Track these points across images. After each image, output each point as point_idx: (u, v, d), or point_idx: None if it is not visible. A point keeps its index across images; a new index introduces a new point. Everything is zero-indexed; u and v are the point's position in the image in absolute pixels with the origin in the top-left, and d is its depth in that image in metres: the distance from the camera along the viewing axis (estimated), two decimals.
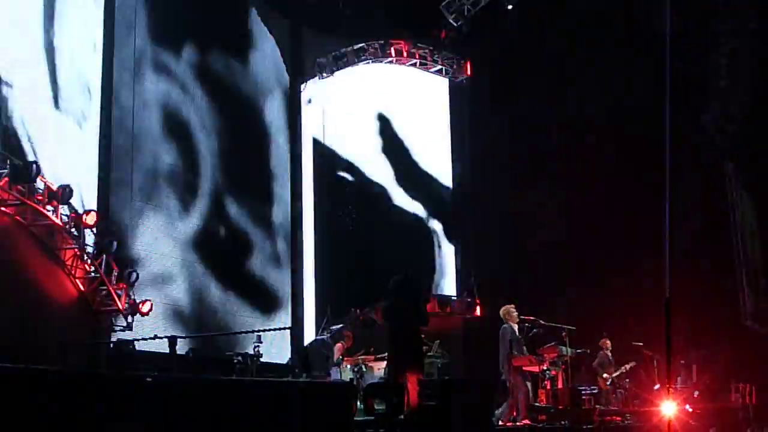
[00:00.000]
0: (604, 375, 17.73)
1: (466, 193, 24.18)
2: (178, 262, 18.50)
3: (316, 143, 21.80)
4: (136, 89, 18.00)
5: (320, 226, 21.61)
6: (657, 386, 17.32)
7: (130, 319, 16.16)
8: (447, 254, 24.07)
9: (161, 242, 18.24)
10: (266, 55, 21.27)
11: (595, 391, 17.25)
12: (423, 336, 14.03)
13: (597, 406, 16.04)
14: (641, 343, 18.21)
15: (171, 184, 18.66)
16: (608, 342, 18.14)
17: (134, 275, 16.12)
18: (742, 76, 24.11)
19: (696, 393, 18.88)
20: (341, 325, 20.10)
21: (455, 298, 22.72)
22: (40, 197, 14.79)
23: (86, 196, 16.68)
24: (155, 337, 13.50)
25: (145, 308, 16.29)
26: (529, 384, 14.75)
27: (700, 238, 21.31)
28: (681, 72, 20.59)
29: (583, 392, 15.98)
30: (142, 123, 18.16)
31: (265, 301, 20.26)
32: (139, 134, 18.04)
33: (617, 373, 17.90)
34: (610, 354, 18.11)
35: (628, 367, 17.96)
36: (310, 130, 21.81)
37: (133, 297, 16.16)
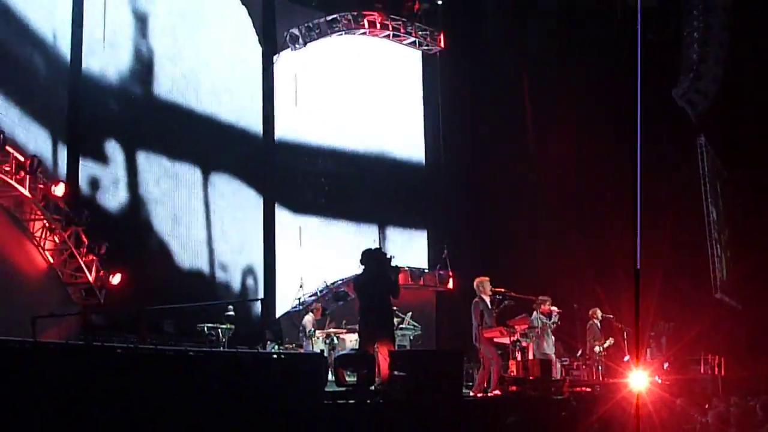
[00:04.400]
0: (596, 345, 17.85)
1: (437, 166, 24.16)
2: (154, 228, 18.43)
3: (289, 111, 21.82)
4: (107, 55, 17.97)
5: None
6: (627, 358, 17.46)
7: (100, 292, 16.05)
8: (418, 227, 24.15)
9: (137, 209, 18.15)
10: (240, 25, 21.15)
11: (566, 363, 17.41)
12: (394, 308, 14.14)
13: (567, 378, 16.14)
14: (612, 316, 18.33)
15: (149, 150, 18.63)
16: (598, 311, 18.26)
17: (104, 247, 16.00)
18: (715, 50, 24.25)
19: (665, 365, 19.08)
20: (313, 297, 20.21)
21: (427, 270, 22.79)
22: (7, 167, 14.54)
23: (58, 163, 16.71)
24: (124, 309, 13.42)
25: (114, 280, 16.17)
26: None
27: (671, 210, 21.44)
28: (654, 46, 20.74)
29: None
30: (117, 89, 18.08)
31: (241, 270, 20.29)
32: (114, 100, 17.93)
33: (606, 344, 18.02)
34: (599, 324, 18.24)
35: (612, 341, 18.10)
36: (283, 101, 21.75)
37: (102, 270, 16.05)
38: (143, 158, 18.63)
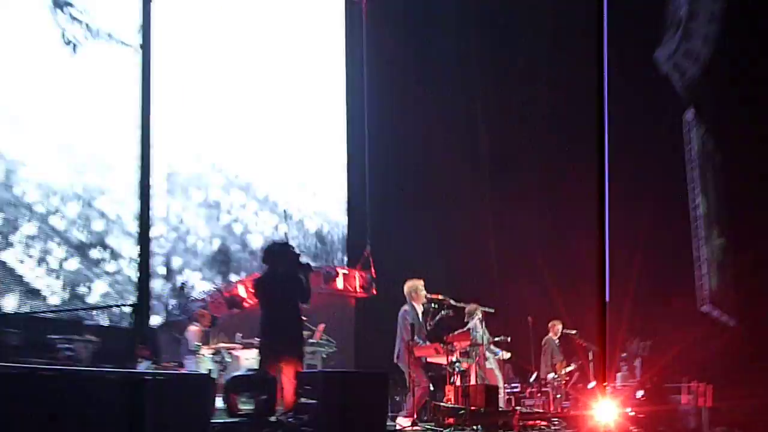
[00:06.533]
0: (558, 367, 18.24)
1: (361, 137, 24.35)
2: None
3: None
4: None
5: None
6: (592, 384, 17.76)
7: None
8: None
9: None
10: None
11: (516, 389, 17.65)
12: (304, 318, 14.20)
13: (518, 408, 16.36)
14: (574, 331, 18.63)
15: None
16: (557, 325, 18.60)
17: None
18: (707, 4, 24.54)
19: (640, 393, 19.38)
20: (199, 303, 20.16)
21: (346, 272, 22.85)
22: None
23: None
24: None
25: None
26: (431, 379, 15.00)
27: (650, 202, 21.67)
28: None
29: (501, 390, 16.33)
30: None
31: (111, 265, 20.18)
32: None
33: (569, 368, 18.42)
34: (557, 341, 18.59)
35: (574, 366, 18.44)
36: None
37: None
38: None
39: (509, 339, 17.23)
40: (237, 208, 22.19)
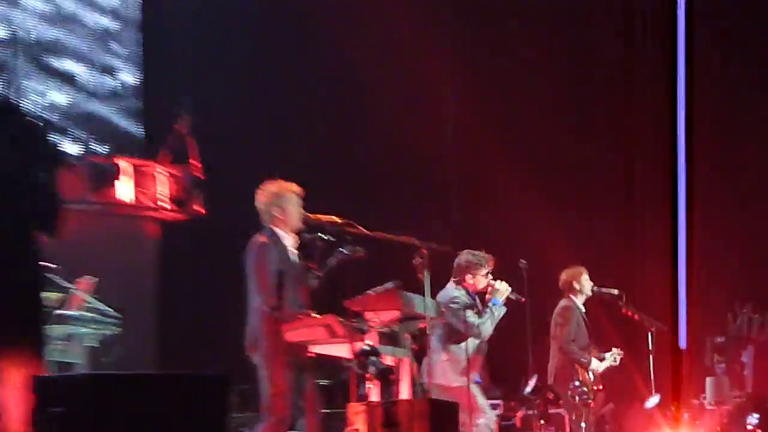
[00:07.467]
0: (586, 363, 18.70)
1: None
2: None
3: None
4: None
5: None
6: (653, 399, 17.74)
7: None
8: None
9: None
10: None
11: (497, 409, 17.64)
12: (47, 264, 13.64)
13: None
14: (616, 292, 18.58)
15: None
16: (583, 278, 19.13)
17: None
18: None
19: (753, 419, 19.34)
20: None
21: (140, 166, 22.50)
22: None
23: None
24: None
25: None
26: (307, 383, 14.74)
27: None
28: None
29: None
30: None
31: None
32: None
33: (605, 362, 19.07)
34: (583, 308, 18.95)
35: (617, 356, 19.06)
36: None
37: None
38: None
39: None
40: None
